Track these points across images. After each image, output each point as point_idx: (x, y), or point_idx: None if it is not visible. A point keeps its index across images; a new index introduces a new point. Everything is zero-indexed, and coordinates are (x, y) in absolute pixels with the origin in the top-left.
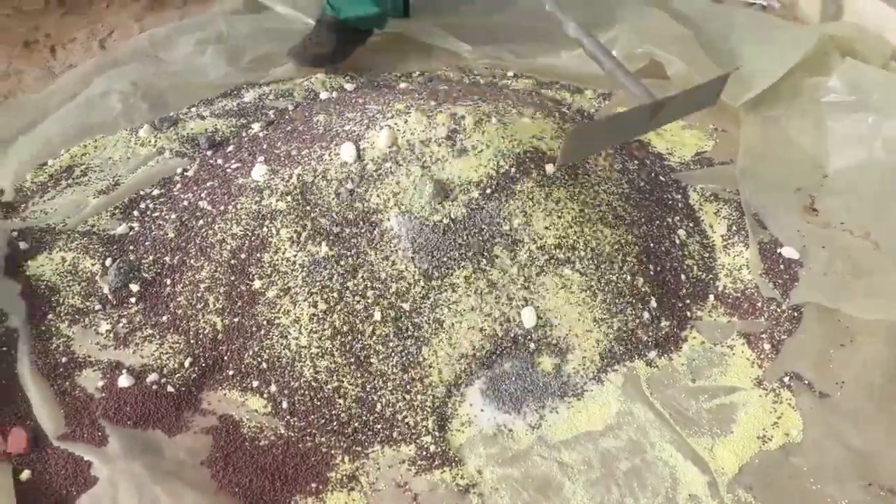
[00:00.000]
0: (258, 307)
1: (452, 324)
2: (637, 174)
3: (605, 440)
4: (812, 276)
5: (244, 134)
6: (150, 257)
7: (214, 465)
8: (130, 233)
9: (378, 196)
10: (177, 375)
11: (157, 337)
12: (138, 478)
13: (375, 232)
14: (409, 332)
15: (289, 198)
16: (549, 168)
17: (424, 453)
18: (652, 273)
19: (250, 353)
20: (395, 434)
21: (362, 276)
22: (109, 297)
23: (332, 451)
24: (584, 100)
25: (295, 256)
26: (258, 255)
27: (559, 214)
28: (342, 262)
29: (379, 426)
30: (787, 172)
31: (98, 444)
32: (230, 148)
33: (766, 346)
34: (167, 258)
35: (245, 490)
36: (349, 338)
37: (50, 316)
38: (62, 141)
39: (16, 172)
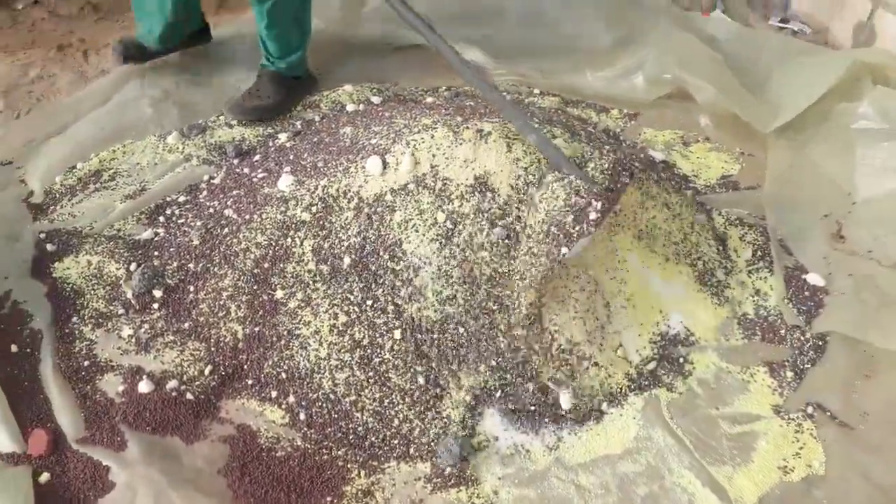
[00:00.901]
0: (279, 317)
1: (471, 345)
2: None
3: (624, 464)
4: (838, 304)
5: (271, 143)
6: (175, 263)
7: (231, 475)
8: (156, 238)
9: (399, 216)
10: (196, 383)
11: (179, 343)
12: (156, 484)
13: (398, 251)
14: (429, 351)
15: (314, 209)
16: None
17: (440, 471)
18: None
19: (270, 362)
20: (411, 450)
21: (383, 291)
22: (133, 301)
23: (349, 465)
24: (609, 119)
25: (317, 268)
26: (281, 265)
27: None
28: (364, 276)
29: (395, 441)
30: (815, 198)
31: (117, 448)
32: (257, 157)
33: (789, 374)
34: (191, 265)
35: (260, 501)
36: (368, 351)
37: (74, 319)
38: (92, 145)
39: (46, 174)
